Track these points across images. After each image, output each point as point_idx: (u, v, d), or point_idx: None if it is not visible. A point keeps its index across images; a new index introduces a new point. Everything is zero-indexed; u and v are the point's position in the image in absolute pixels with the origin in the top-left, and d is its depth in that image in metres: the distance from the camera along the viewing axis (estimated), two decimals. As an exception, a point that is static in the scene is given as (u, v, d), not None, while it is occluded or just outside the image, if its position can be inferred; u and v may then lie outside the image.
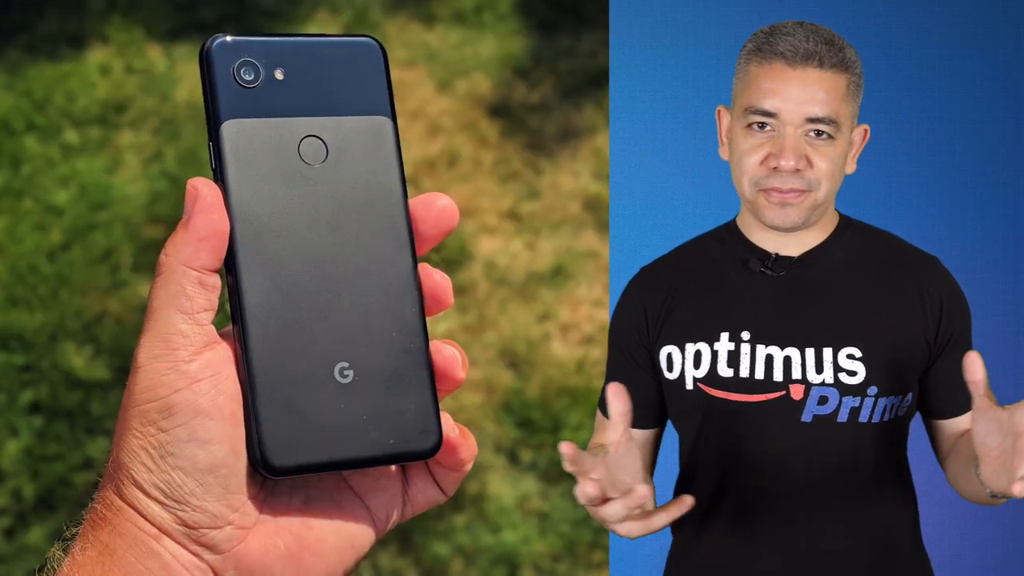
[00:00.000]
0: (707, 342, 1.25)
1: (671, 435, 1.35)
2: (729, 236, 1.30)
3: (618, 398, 1.00)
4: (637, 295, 1.31)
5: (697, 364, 1.25)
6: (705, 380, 1.24)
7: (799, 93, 1.18)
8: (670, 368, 1.27)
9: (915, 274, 1.26)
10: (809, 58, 1.18)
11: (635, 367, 1.30)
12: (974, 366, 1.01)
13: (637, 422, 1.32)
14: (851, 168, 1.26)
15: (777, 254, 1.26)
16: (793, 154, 1.18)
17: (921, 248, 1.31)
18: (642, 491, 0.97)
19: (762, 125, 1.20)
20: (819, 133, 1.19)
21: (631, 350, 1.30)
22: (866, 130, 1.26)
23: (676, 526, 1.29)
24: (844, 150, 1.22)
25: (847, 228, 1.28)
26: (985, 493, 1.09)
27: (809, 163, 1.19)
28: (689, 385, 1.25)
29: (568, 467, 0.97)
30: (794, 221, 1.21)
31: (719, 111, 1.28)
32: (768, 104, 1.19)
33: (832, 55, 1.19)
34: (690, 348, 1.25)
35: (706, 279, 1.29)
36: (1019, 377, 1.74)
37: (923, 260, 1.28)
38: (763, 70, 1.20)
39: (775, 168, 1.19)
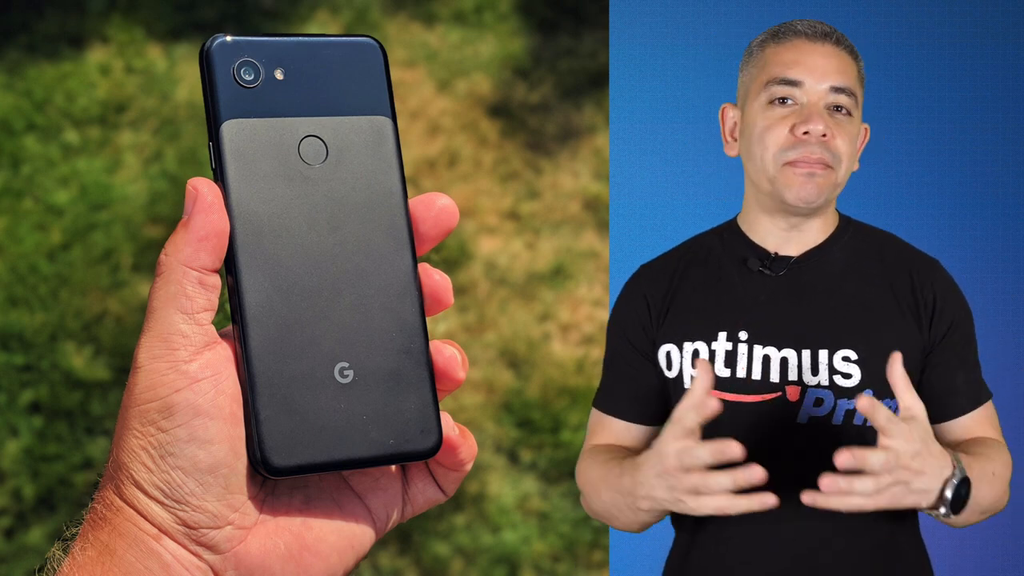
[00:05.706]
0: (705, 341, 1.24)
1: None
2: (730, 234, 1.30)
3: (708, 372, 1.06)
4: (639, 290, 1.32)
5: (695, 363, 1.25)
6: (702, 379, 1.24)
7: (823, 63, 1.21)
8: (669, 366, 1.27)
9: (911, 276, 1.25)
10: (827, 36, 1.23)
11: (641, 360, 1.30)
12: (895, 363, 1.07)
13: (641, 418, 1.31)
14: (855, 165, 1.26)
15: (776, 253, 1.26)
16: (821, 120, 1.18)
17: (922, 249, 1.30)
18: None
19: (784, 100, 1.20)
20: (839, 108, 1.21)
21: (636, 343, 1.30)
22: (866, 129, 1.27)
23: (678, 526, 1.29)
24: (857, 132, 1.24)
25: (847, 228, 1.28)
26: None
27: (833, 135, 1.19)
28: (687, 384, 1.25)
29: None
30: (815, 197, 1.20)
31: (724, 109, 1.28)
32: (793, 73, 1.21)
33: (844, 40, 1.24)
34: (688, 347, 1.25)
35: (705, 277, 1.29)
36: (1019, 377, 1.73)
37: (922, 262, 1.27)
38: (783, 47, 1.23)
39: (804, 135, 1.19)
